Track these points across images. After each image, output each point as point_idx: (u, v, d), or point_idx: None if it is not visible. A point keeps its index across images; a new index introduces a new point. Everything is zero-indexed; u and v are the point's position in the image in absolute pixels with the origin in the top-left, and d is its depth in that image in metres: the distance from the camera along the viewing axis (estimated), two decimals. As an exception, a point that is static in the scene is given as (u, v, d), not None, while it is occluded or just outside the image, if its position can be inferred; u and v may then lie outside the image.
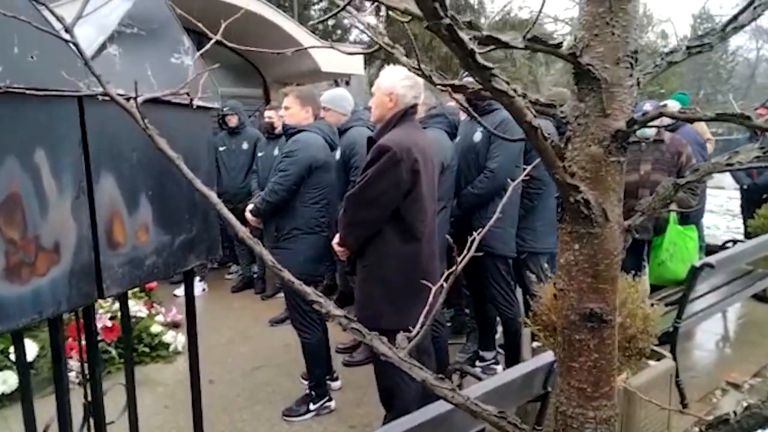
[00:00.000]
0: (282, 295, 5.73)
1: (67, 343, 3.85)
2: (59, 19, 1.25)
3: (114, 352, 3.91)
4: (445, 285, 1.38)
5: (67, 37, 1.27)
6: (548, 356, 2.10)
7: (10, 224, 1.58)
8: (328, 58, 8.32)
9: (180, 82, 2.26)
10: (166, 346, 4.20)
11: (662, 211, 1.07)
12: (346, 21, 13.75)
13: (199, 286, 5.90)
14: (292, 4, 12.16)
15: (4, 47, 1.51)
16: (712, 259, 3.25)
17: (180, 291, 5.60)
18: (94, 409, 2.16)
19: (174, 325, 4.54)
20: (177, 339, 4.28)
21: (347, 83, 12.00)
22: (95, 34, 1.98)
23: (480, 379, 2.55)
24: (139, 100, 1.36)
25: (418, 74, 1.05)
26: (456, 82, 1.00)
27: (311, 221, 3.20)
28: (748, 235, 5.58)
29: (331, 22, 13.89)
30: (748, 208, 5.79)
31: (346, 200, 2.51)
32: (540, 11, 0.94)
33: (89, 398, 2.24)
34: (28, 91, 1.32)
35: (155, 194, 2.13)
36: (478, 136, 3.38)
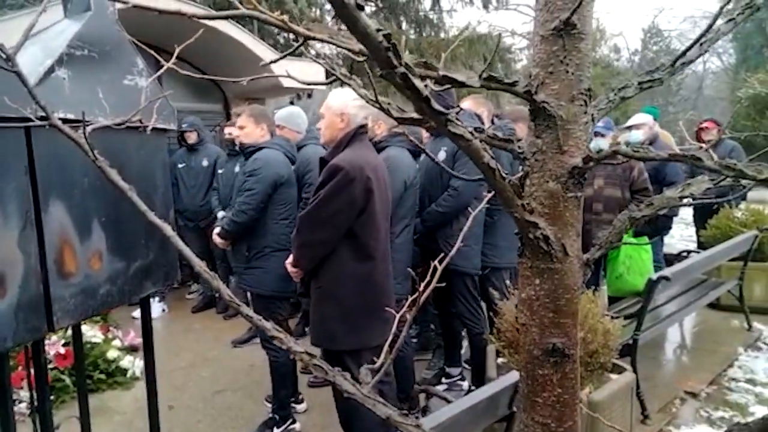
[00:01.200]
0: (245, 314, 5.62)
1: (17, 372, 3.68)
2: (2, 48, 1.19)
3: (68, 380, 3.75)
4: (409, 311, 1.36)
5: (7, 66, 1.21)
6: (513, 376, 2.11)
7: (-49, 259, 1.50)
8: (290, 73, 8.26)
9: (134, 105, 2.21)
10: (124, 371, 4.06)
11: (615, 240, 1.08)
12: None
13: (158, 307, 5.73)
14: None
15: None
16: (667, 272, 3.33)
17: (137, 313, 5.44)
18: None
19: (132, 349, 4.40)
20: (135, 364, 4.13)
21: (309, 96, 11.96)
22: (42, 56, 1.90)
23: (446, 399, 2.54)
24: (88, 129, 1.30)
25: (376, 107, 1.03)
26: (414, 115, 0.99)
27: (281, 238, 3.17)
28: (701, 245, 5.76)
29: (291, 36, 13.80)
30: (700, 219, 5.99)
31: (299, 220, 2.48)
32: (495, 51, 0.94)
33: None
34: (-33, 122, 1.25)
35: (109, 220, 2.06)
36: (442, 155, 3.40)
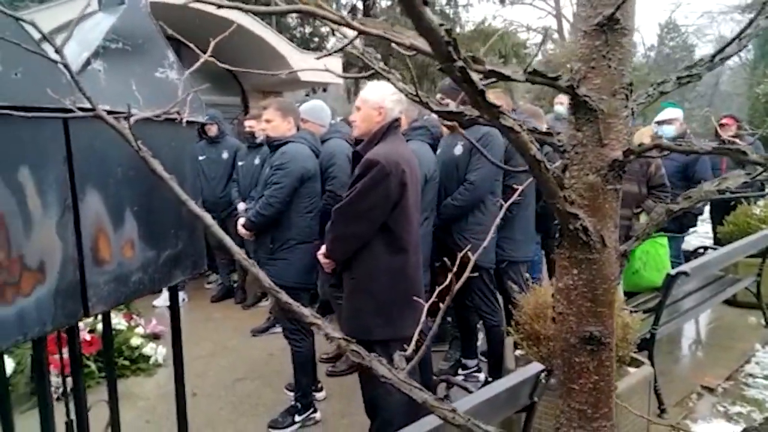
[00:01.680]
0: (263, 304, 5.70)
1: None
2: (49, 39, 1.23)
3: (93, 366, 3.83)
4: (441, 303, 1.40)
5: (57, 57, 1.25)
6: (534, 367, 2.13)
7: (-5, 244, 1.55)
8: (305, 66, 8.30)
9: (165, 97, 2.26)
10: (147, 358, 4.14)
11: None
12: (323, 29, 13.75)
13: (179, 296, 5.82)
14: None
15: (-11, 66, 1.49)
16: (686, 267, 3.34)
17: (158, 302, 5.52)
18: (79, 427, 2.13)
19: (154, 337, 4.48)
20: (157, 351, 4.22)
21: (324, 90, 11.99)
22: (79, 49, 1.95)
23: (466, 389, 2.57)
24: (132, 120, 1.34)
25: (415, 101, 1.06)
26: (453, 109, 1.02)
27: (305, 230, 3.22)
28: (717, 241, 5.74)
29: (308, 30, 13.87)
30: (717, 215, 5.96)
31: (334, 214, 2.51)
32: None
33: (71, 415, 2.21)
34: (16, 112, 1.29)
35: (141, 209, 2.11)
36: (459, 149, 3.42)
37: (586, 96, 0.87)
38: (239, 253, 1.33)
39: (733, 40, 0.94)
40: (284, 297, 1.27)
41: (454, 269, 1.17)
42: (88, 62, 1.89)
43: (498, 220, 1.22)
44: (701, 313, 4.50)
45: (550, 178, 0.81)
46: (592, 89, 0.89)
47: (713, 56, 0.97)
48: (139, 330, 4.34)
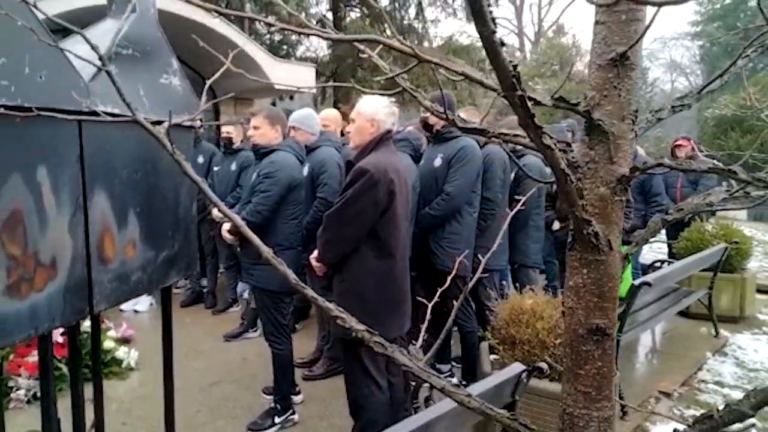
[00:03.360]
0: (234, 309, 5.70)
1: (14, 360, 3.71)
2: (94, 48, 1.30)
3: (65, 369, 3.78)
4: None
5: (99, 64, 1.32)
6: (517, 367, 2.27)
7: (12, 241, 1.60)
8: (281, 76, 8.37)
9: (168, 102, 2.33)
10: (119, 362, 4.10)
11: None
12: (294, 38, 13.81)
13: (146, 301, 5.77)
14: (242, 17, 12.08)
15: (18, 68, 1.54)
16: (649, 278, 3.57)
17: (125, 306, 5.46)
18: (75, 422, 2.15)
19: (125, 341, 4.44)
20: (130, 355, 4.19)
21: (291, 98, 12.05)
22: (91, 55, 2.00)
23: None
24: (165, 125, 1.43)
25: (442, 118, 1.19)
26: (477, 126, 1.15)
27: (290, 237, 3.29)
28: (672, 256, 6.08)
29: (277, 37, 13.91)
30: (672, 230, 6.31)
31: (325, 218, 2.61)
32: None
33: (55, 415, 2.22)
34: (58, 114, 1.36)
35: (142, 211, 2.17)
36: (438, 162, 3.58)
37: (600, 120, 1.02)
38: (268, 252, 1.42)
39: (716, 78, 1.11)
40: (310, 293, 1.38)
41: (478, 271, 1.30)
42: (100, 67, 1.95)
43: (504, 229, 1.35)
44: (659, 322, 4.77)
45: (573, 189, 0.95)
46: (605, 114, 1.03)
47: (700, 90, 1.13)
48: (111, 333, 4.30)
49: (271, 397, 3.46)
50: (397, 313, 2.63)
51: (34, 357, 3.75)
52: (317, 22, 15.58)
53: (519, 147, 4.22)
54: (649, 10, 0.97)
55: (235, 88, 8.70)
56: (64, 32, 1.60)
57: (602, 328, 1.09)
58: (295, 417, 3.42)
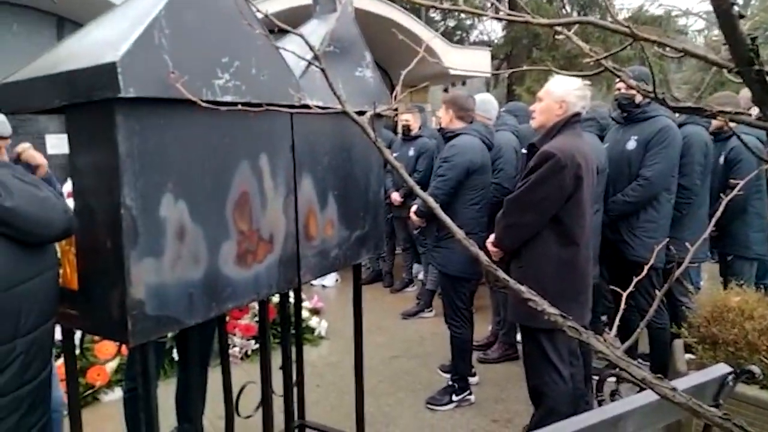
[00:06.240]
0: (410, 289, 5.96)
1: (230, 321, 4.31)
2: (312, 49, 1.47)
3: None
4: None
5: (316, 63, 1.48)
6: (721, 368, 2.08)
7: (242, 218, 1.87)
8: (455, 61, 8.44)
9: (361, 93, 2.51)
10: (312, 330, 4.55)
11: None
12: (467, 22, 13.79)
13: (332, 277, 6.28)
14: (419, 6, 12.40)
15: (247, 68, 1.79)
16: None
17: (315, 281, 6.01)
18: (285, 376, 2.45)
19: (315, 312, 4.89)
20: (321, 324, 4.62)
21: (463, 83, 12.05)
22: (301, 53, 2.25)
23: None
24: (368, 115, 1.55)
25: (649, 96, 1.14)
26: (692, 104, 1.08)
27: (470, 222, 3.33)
28: None
29: (451, 24, 14.00)
30: None
31: (506, 203, 2.61)
32: None
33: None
34: (282, 109, 1.55)
35: (339, 194, 2.38)
36: (632, 144, 3.35)
37: None
38: (460, 233, 1.49)
39: None
40: (501, 274, 1.41)
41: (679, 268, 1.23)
42: (309, 64, 2.18)
43: (715, 217, 1.25)
44: None
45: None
46: None
47: None
48: (306, 304, 4.77)
49: (448, 375, 3.58)
50: (577, 302, 2.54)
51: (245, 320, 4.32)
52: (491, 5, 15.34)
53: (726, 129, 3.82)
54: None
55: (410, 76, 9.01)
56: (271, 33, 1.80)
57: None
58: (472, 398, 3.50)
